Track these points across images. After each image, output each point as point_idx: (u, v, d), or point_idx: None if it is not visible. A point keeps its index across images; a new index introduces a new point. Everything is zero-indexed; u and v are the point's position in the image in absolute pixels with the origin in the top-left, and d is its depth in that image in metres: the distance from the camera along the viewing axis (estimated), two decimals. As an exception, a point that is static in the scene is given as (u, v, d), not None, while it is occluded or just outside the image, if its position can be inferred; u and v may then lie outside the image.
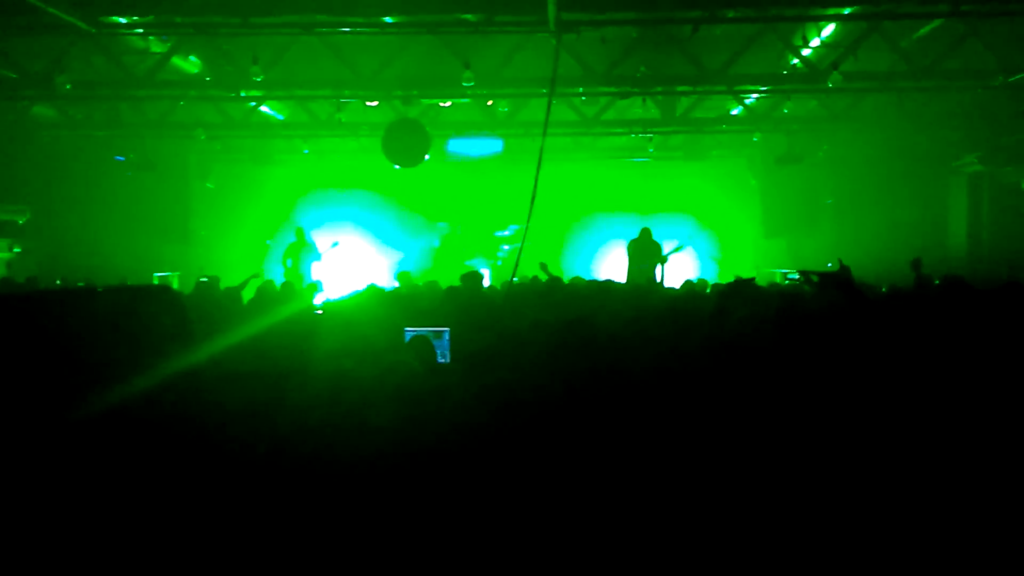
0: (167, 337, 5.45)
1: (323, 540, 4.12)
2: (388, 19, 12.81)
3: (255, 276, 12.66)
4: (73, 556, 3.92)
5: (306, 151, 22.04)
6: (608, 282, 11.07)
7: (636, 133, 20.08)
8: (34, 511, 3.99)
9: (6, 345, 4.61)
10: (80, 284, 12.20)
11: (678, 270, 20.66)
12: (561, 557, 4.01)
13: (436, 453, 4.63)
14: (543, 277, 11.77)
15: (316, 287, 11.36)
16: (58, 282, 12.64)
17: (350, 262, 22.41)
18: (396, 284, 13.16)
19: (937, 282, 11.66)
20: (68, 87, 14.34)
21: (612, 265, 21.67)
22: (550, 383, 5.74)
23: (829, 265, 18.30)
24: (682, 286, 11.55)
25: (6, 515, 3.91)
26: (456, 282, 10.62)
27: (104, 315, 5.27)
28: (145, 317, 5.50)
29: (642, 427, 4.91)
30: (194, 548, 4.05)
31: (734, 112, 19.39)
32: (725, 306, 7.33)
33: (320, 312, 8.54)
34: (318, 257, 18.93)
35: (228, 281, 13.01)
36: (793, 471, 4.37)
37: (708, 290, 10.72)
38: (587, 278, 12.80)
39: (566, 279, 12.10)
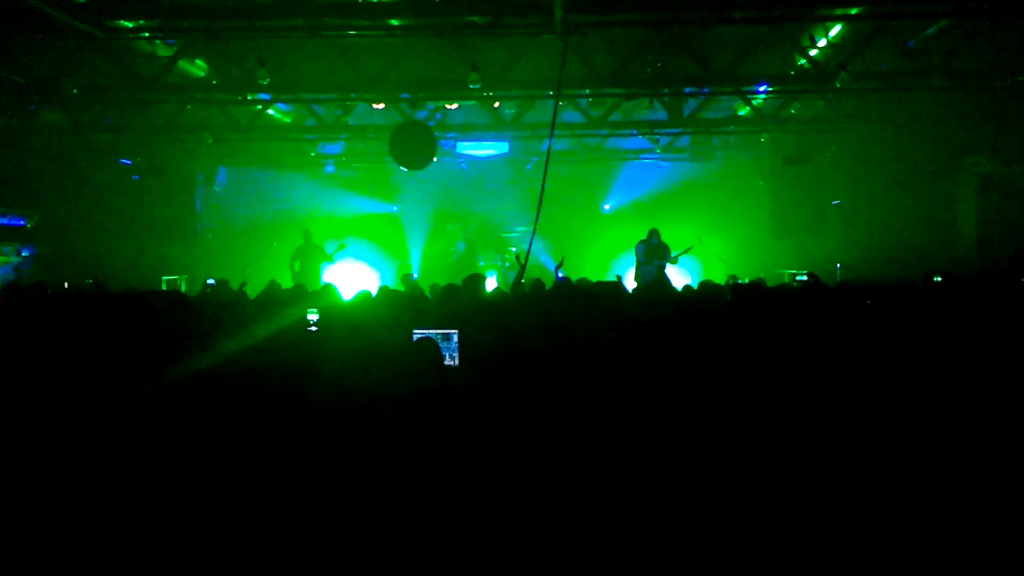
0: (178, 340, 5.47)
1: (332, 541, 4.12)
2: (394, 21, 12.79)
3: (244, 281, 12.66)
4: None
5: (313, 154, 22.10)
6: (616, 282, 11.03)
7: (643, 134, 20.06)
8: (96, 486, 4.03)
9: (33, 344, 4.68)
10: (89, 281, 12.16)
11: (685, 271, 20.69)
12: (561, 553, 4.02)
13: (443, 452, 4.63)
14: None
15: (332, 288, 11.31)
16: (66, 285, 12.62)
17: (357, 265, 22.45)
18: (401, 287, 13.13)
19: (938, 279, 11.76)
20: (75, 91, 14.36)
21: (622, 266, 21.67)
22: (555, 381, 5.74)
23: (839, 266, 18.32)
24: (698, 286, 11.53)
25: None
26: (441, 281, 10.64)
27: (119, 319, 5.30)
28: (157, 321, 5.53)
29: (647, 424, 4.91)
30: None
31: (741, 113, 19.36)
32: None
33: (315, 318, 8.45)
34: (328, 259, 18.91)
35: (236, 284, 13.02)
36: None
37: (727, 292, 10.68)
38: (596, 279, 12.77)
39: (573, 279, 12.06)
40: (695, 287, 11.61)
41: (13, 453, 4.44)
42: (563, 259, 12.87)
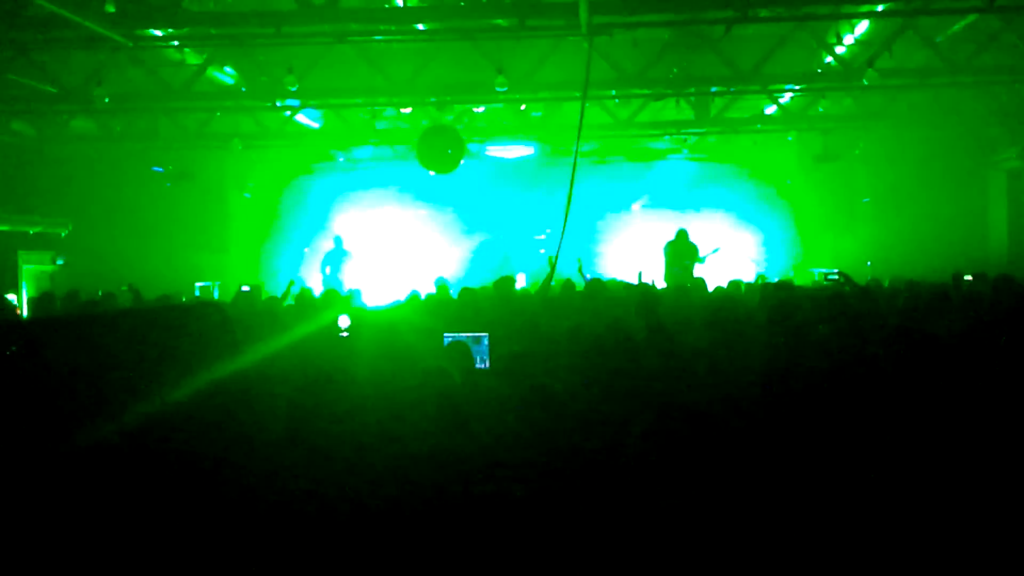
0: (215, 350, 5.52)
1: (359, 548, 4.15)
2: (420, 26, 12.83)
3: (293, 283, 12.73)
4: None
5: (341, 158, 22.17)
6: (645, 285, 11.03)
7: (670, 134, 20.01)
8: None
9: (70, 362, 4.73)
10: (124, 288, 12.24)
11: (715, 271, 20.61)
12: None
13: (473, 459, 4.65)
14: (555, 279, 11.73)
15: (353, 295, 11.40)
16: (100, 294, 12.71)
17: (390, 269, 22.49)
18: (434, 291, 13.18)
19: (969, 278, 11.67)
20: (106, 100, 14.47)
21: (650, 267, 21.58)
22: (588, 388, 5.75)
23: (869, 264, 18.19)
24: (729, 285, 11.54)
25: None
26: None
27: (154, 332, 5.36)
28: (194, 333, 5.57)
29: (677, 427, 4.90)
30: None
31: (768, 111, 19.28)
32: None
33: (345, 324, 8.51)
34: (353, 264, 18.95)
35: (269, 290, 13.10)
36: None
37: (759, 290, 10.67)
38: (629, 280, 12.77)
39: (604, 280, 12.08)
40: (725, 287, 11.62)
41: (39, 460, 4.49)
42: (581, 261, 12.78)
